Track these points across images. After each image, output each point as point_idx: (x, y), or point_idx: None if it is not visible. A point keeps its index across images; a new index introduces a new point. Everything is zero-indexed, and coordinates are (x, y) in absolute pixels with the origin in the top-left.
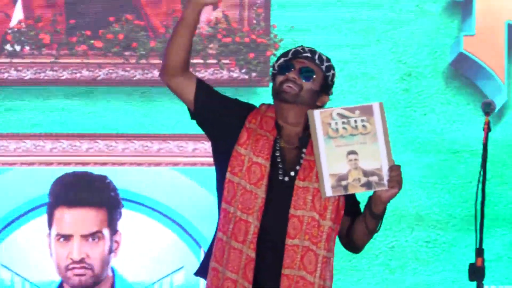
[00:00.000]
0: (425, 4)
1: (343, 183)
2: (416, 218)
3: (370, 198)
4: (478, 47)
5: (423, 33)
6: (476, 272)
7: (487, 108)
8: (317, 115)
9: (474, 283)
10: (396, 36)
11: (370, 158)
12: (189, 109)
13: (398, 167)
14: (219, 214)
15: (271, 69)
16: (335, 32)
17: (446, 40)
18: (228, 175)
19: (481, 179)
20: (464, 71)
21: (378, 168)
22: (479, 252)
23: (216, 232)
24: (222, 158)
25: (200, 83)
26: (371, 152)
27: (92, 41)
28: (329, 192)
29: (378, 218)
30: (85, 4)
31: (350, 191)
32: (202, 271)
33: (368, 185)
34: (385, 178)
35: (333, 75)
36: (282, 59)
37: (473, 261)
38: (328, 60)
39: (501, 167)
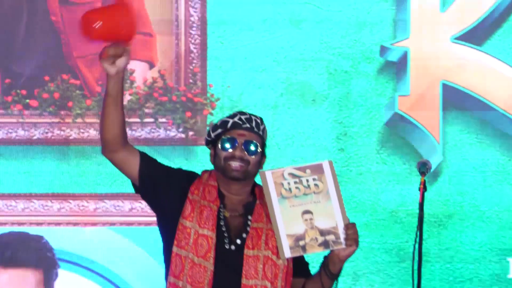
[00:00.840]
0: (360, 65)
1: (301, 243)
2: (353, 278)
3: (325, 257)
4: (413, 107)
5: (358, 93)
6: None
7: (423, 168)
8: (269, 176)
9: None
10: (332, 96)
11: (325, 217)
12: (133, 183)
13: (354, 224)
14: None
15: (208, 131)
16: (271, 92)
17: (381, 100)
18: (174, 248)
19: (417, 239)
20: (399, 131)
21: (334, 227)
22: None
23: None
24: (167, 230)
25: (143, 157)
26: (326, 211)
27: (27, 101)
28: (288, 254)
29: (335, 277)
30: (20, 63)
31: (309, 251)
32: None
33: (325, 244)
34: (342, 236)
35: (266, 133)
36: (219, 131)
37: None
38: (262, 121)
39: (437, 227)
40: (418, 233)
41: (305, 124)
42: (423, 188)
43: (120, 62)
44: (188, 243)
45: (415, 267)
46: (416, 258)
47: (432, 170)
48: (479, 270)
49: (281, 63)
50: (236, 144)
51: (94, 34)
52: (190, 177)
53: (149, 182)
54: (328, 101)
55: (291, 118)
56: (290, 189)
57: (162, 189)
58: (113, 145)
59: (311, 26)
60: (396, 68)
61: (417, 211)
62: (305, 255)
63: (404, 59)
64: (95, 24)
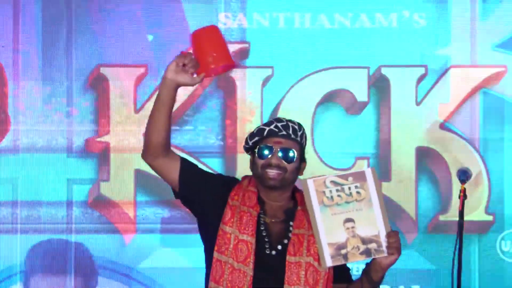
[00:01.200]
0: (401, 72)
1: (343, 251)
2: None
3: (367, 264)
4: (453, 115)
5: (398, 100)
6: None
7: (463, 176)
8: (310, 184)
9: None
10: (372, 103)
11: (367, 225)
12: (172, 189)
13: (396, 233)
14: None
15: (246, 139)
16: (310, 100)
17: (422, 107)
18: (215, 254)
19: (457, 246)
20: (439, 139)
21: (375, 235)
22: None
23: None
24: (208, 235)
25: (184, 163)
26: (368, 219)
27: (68, 108)
28: (329, 262)
29: (376, 285)
30: (60, 71)
31: (350, 260)
32: None
33: (367, 252)
34: (384, 244)
35: (306, 138)
36: (256, 138)
37: None
38: (300, 127)
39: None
40: (458, 240)
41: (346, 131)
42: (463, 196)
43: (185, 77)
44: (228, 248)
45: (455, 275)
46: (456, 264)
47: (472, 178)
48: None
49: (322, 70)
50: (273, 152)
51: (209, 70)
52: (230, 182)
53: (189, 188)
54: (367, 108)
55: (331, 125)
56: (332, 197)
57: (202, 195)
58: (156, 150)
59: (349, 34)
60: (437, 75)
61: (457, 218)
62: (347, 264)
63: (444, 66)
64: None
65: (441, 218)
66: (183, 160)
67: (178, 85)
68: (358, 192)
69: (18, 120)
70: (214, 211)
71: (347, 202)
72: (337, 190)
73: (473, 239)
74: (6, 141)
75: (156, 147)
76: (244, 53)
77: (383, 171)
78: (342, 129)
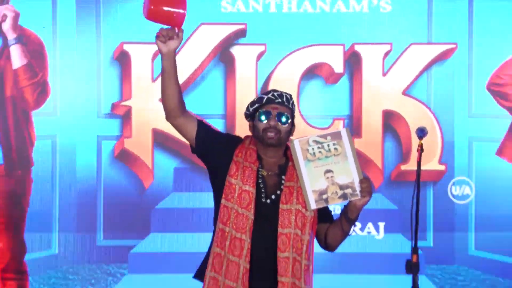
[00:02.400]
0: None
1: (324, 196)
2: None
3: (345, 206)
4: None
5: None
6: (412, 267)
7: (421, 133)
8: (297, 144)
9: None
10: None
11: (343, 174)
12: (190, 145)
13: (368, 179)
14: (216, 233)
15: (247, 107)
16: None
17: None
18: (223, 201)
19: (415, 191)
20: None
21: (351, 182)
22: (415, 250)
23: (211, 247)
24: (217, 186)
25: (200, 124)
26: (344, 169)
27: None
28: (313, 206)
29: (352, 222)
30: None
31: (330, 203)
32: (199, 276)
33: (344, 196)
34: (357, 189)
35: (295, 107)
36: (257, 105)
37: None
38: (291, 97)
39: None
40: (416, 186)
41: (325, 97)
42: (421, 150)
43: (172, 43)
44: (234, 196)
45: (414, 213)
46: (415, 206)
47: (427, 135)
48: None
49: (305, 47)
50: (271, 116)
51: (149, 14)
52: (235, 141)
53: (204, 145)
54: (343, 79)
55: (313, 92)
56: (314, 153)
57: (214, 151)
58: (174, 112)
59: (328, 17)
60: (399, 51)
61: (416, 168)
62: (329, 206)
63: (405, 44)
64: (151, 6)
65: (403, 167)
66: (200, 122)
67: (174, 51)
68: (335, 148)
69: (56, 88)
70: (222, 165)
71: (327, 157)
72: (318, 148)
73: (429, 185)
74: (46, 105)
75: (173, 109)
76: (241, 33)
77: (355, 129)
78: (322, 96)
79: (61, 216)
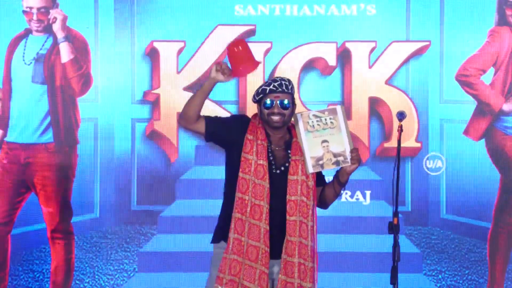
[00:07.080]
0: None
1: (320, 162)
2: None
3: (337, 171)
4: None
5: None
6: (394, 228)
7: (400, 116)
8: (299, 117)
9: None
10: None
11: (337, 144)
12: (204, 136)
13: (357, 149)
14: (233, 201)
15: (253, 95)
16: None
17: None
18: (240, 174)
19: (396, 164)
20: None
21: (343, 151)
22: (395, 214)
23: (232, 213)
24: (233, 161)
25: (208, 120)
26: (337, 140)
27: None
28: (311, 169)
29: (343, 185)
30: None
31: (325, 168)
32: (216, 239)
33: (337, 163)
34: (348, 157)
35: (294, 88)
36: (261, 95)
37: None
38: (290, 81)
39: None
40: (396, 160)
41: (321, 86)
42: (400, 130)
43: (221, 76)
44: (250, 170)
45: (394, 183)
46: (395, 177)
47: (406, 117)
48: None
49: (305, 44)
50: (273, 104)
51: (231, 52)
52: (243, 121)
53: (214, 135)
54: (336, 71)
55: (311, 82)
56: (313, 125)
57: (224, 137)
58: (191, 119)
59: (323, 19)
60: (383, 48)
61: (396, 145)
62: (323, 171)
63: (388, 41)
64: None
65: (386, 145)
66: (207, 118)
67: (217, 81)
68: (331, 122)
69: (97, 79)
70: (235, 144)
71: (324, 129)
72: (317, 121)
73: (407, 159)
74: (89, 93)
75: (192, 118)
76: (251, 32)
77: (346, 113)
78: (318, 85)
79: (102, 186)
